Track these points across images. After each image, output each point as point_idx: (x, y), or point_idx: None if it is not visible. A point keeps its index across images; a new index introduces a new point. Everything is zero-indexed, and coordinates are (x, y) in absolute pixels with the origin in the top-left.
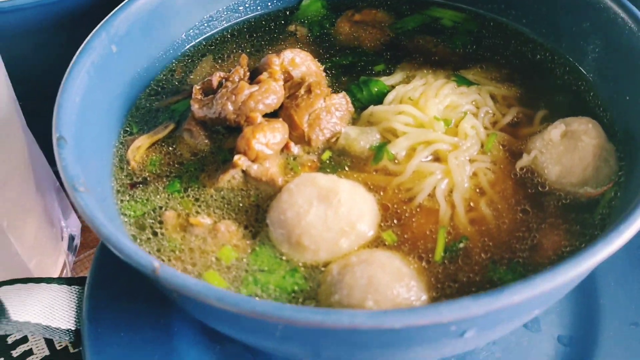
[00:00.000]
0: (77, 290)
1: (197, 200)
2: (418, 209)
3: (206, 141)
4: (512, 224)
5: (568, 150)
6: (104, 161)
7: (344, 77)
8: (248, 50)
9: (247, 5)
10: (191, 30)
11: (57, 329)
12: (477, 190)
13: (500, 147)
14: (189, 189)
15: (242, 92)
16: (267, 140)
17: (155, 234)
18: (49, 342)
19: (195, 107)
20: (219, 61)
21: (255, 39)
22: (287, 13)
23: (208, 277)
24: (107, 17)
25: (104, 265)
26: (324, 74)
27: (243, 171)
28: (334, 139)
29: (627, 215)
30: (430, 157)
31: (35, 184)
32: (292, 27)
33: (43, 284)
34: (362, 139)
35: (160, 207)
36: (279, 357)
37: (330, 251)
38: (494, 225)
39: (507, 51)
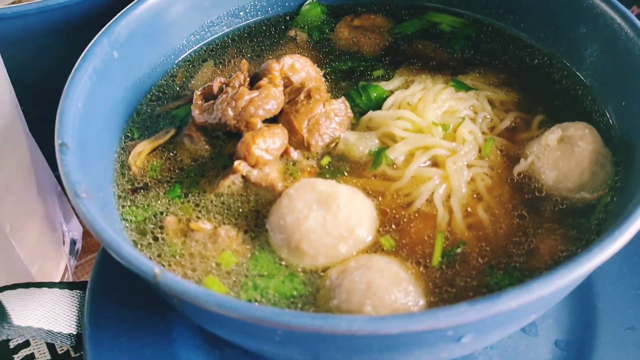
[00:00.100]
0: (79, 294)
1: (197, 205)
2: (416, 214)
3: (206, 147)
4: (509, 229)
5: (565, 155)
6: (106, 166)
7: (343, 82)
8: (248, 55)
9: (247, 10)
10: (192, 36)
11: (59, 334)
12: (475, 195)
13: (498, 152)
14: (190, 195)
15: (242, 98)
16: (266, 145)
17: (156, 239)
18: (51, 347)
19: (195, 112)
20: (220, 66)
21: (256, 44)
22: (287, 18)
23: (208, 283)
24: (108, 24)
25: (105, 269)
26: (324, 79)
27: (243, 177)
28: (333, 144)
29: (623, 220)
30: (428, 163)
31: (37, 189)
32: (292, 32)
33: (45, 289)
34: (361, 144)
35: (161, 213)
36: None
37: (329, 256)
38: (491, 230)
39: (505, 56)
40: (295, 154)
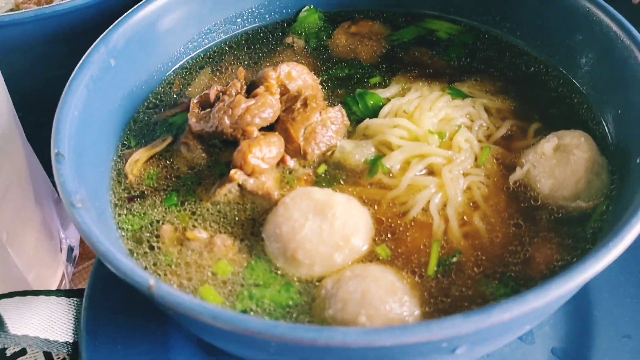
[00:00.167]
0: (76, 302)
1: (193, 213)
2: (412, 223)
3: (203, 155)
4: (505, 237)
5: (560, 163)
6: (102, 174)
7: (340, 89)
8: (246, 62)
9: (244, 17)
10: (189, 43)
11: (55, 342)
12: (471, 204)
13: (494, 160)
14: (186, 203)
15: (239, 106)
16: (263, 154)
17: (152, 247)
18: (47, 355)
19: (192, 120)
20: (217, 73)
21: (253, 50)
22: (285, 25)
23: (203, 292)
24: (106, 31)
25: (102, 277)
26: (320, 86)
27: (239, 185)
28: (329, 153)
29: (619, 229)
30: (424, 171)
31: (34, 196)
32: (289, 39)
33: (42, 297)
34: (357, 153)
35: (158, 221)
36: None
37: (324, 265)
38: (487, 239)
39: (502, 64)
40: (291, 163)
